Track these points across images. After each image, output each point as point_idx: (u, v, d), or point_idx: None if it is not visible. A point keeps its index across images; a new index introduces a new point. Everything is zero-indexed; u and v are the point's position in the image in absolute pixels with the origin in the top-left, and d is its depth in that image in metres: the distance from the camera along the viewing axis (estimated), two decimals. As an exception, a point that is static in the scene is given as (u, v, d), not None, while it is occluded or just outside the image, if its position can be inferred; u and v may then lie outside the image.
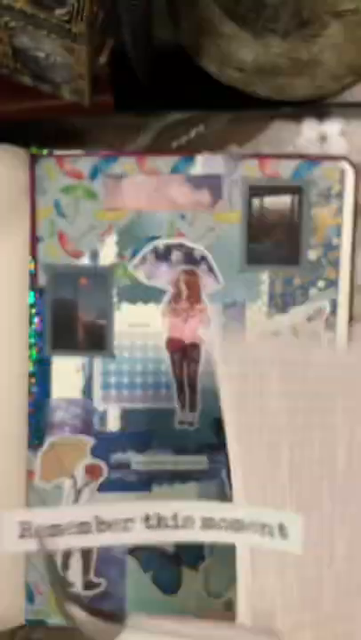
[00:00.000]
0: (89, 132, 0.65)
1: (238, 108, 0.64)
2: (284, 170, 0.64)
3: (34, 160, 0.63)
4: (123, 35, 0.52)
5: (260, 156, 0.64)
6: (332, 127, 0.65)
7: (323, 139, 0.65)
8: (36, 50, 0.53)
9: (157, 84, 0.63)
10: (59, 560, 0.66)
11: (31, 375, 0.65)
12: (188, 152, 0.64)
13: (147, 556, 0.66)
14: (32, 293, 0.65)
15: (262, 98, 0.62)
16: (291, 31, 0.53)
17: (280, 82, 0.59)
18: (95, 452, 0.66)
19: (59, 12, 0.47)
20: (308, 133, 0.65)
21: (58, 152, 0.63)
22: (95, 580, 0.66)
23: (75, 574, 0.66)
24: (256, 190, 0.64)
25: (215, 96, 0.63)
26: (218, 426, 0.64)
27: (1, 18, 0.50)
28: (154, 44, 0.58)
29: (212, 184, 0.64)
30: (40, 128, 0.65)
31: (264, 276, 0.64)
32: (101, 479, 0.66)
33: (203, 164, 0.64)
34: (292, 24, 0.53)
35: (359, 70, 0.59)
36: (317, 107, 0.64)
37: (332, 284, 0.64)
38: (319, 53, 0.55)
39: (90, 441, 0.66)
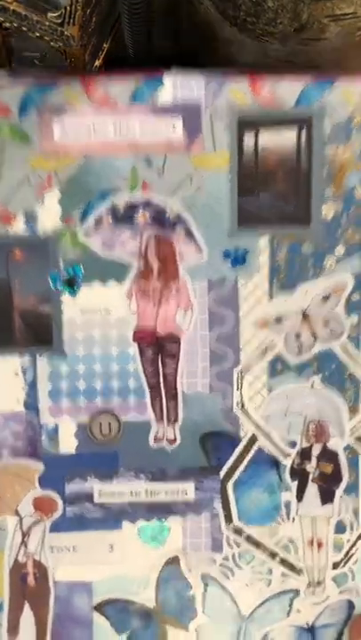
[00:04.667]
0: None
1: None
2: (287, 93, 0.58)
3: None
4: (124, 38, 0.58)
5: (253, 74, 0.58)
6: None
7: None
8: (31, 51, 0.56)
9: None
10: (4, 619, 0.62)
11: None
12: (154, 71, 0.59)
13: (119, 613, 0.63)
14: None
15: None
16: (290, 35, 0.55)
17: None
18: (45, 481, 0.62)
19: (51, 14, 0.52)
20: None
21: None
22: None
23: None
24: (248, 123, 0.59)
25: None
26: (207, 442, 0.62)
27: (-5, 17, 0.54)
28: (154, 48, 0.61)
29: (187, 115, 0.59)
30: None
31: (263, 243, 0.60)
32: (55, 516, 0.62)
33: (174, 87, 0.58)
34: (290, 28, 0.55)
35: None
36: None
37: (357, 249, 0.60)
38: (318, 57, 0.57)
39: (38, 467, 0.61)
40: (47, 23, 0.53)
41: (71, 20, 0.52)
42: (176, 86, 0.58)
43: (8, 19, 0.54)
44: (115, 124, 0.59)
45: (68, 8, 0.52)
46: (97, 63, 0.60)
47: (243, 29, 0.57)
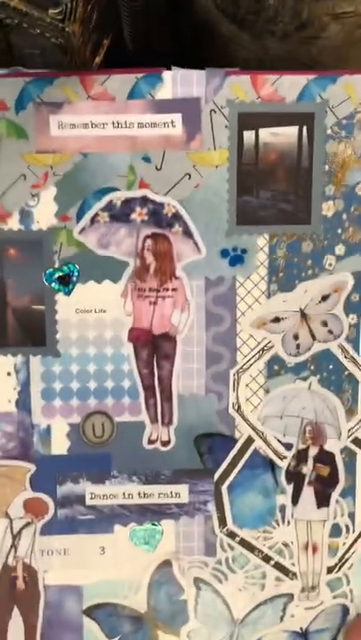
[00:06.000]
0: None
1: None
2: (289, 89, 0.58)
3: None
4: (123, 36, 0.58)
5: (254, 72, 0.58)
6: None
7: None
8: (32, 47, 0.56)
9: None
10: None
11: None
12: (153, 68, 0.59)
13: (110, 617, 0.63)
14: None
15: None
16: (290, 33, 0.56)
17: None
18: (36, 482, 0.62)
19: (52, 11, 0.51)
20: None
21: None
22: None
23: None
24: (249, 119, 0.59)
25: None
26: (202, 444, 0.62)
27: (-4, 14, 0.54)
28: (154, 45, 0.60)
29: (186, 112, 0.59)
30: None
31: (262, 241, 0.60)
32: (46, 518, 0.62)
33: (173, 83, 0.58)
34: (291, 26, 0.55)
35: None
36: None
37: (357, 248, 0.60)
38: (318, 55, 0.58)
39: (29, 468, 0.61)
40: (48, 20, 0.52)
41: (72, 17, 0.52)
42: (176, 81, 0.58)
43: (9, 15, 0.54)
44: (113, 119, 0.58)
45: (69, 4, 0.52)
46: (97, 60, 0.59)
47: (243, 27, 0.57)
